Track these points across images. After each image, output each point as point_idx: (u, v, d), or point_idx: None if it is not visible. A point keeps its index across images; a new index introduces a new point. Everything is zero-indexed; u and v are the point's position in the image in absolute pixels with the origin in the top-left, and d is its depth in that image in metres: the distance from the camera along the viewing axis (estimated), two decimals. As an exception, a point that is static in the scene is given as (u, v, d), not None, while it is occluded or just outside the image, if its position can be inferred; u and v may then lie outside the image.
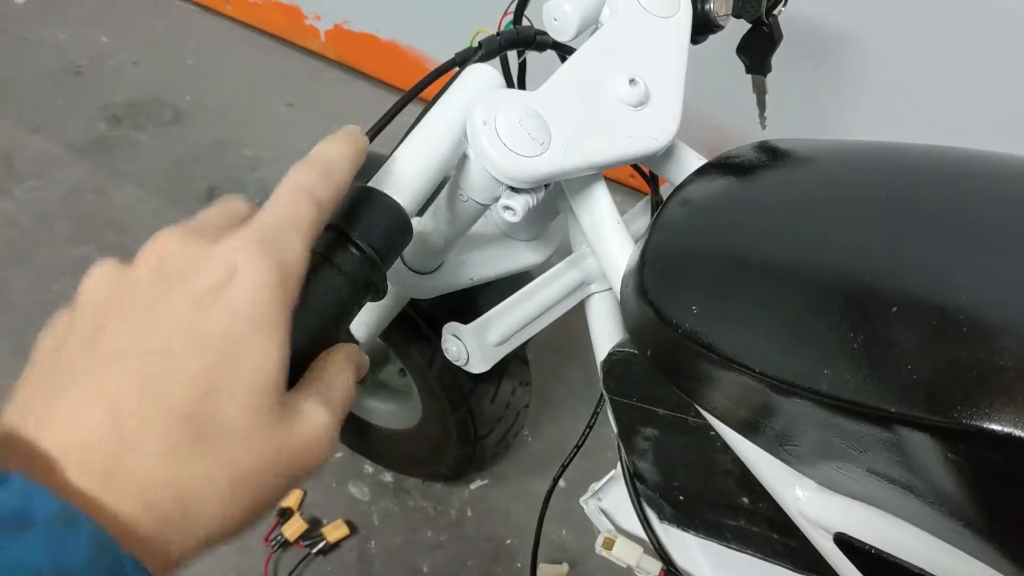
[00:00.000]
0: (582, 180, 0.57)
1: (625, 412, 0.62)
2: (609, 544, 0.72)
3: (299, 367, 0.35)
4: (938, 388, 0.36)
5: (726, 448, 0.51)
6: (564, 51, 0.64)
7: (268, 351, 0.30)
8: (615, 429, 0.65)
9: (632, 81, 0.54)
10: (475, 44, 0.59)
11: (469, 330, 0.66)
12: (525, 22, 0.64)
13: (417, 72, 1.68)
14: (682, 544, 0.69)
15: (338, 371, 0.34)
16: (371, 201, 0.40)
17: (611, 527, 0.75)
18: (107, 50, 1.92)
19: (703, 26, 0.63)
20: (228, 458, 0.28)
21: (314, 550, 1.09)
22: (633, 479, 0.67)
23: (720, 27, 0.64)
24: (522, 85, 0.69)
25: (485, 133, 0.47)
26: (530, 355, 1.03)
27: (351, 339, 0.39)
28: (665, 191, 0.61)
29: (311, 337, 0.35)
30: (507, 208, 0.50)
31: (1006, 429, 0.33)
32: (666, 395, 0.58)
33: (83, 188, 1.58)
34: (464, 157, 0.50)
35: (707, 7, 0.62)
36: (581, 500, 0.76)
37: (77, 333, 0.30)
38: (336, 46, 1.86)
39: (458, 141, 0.49)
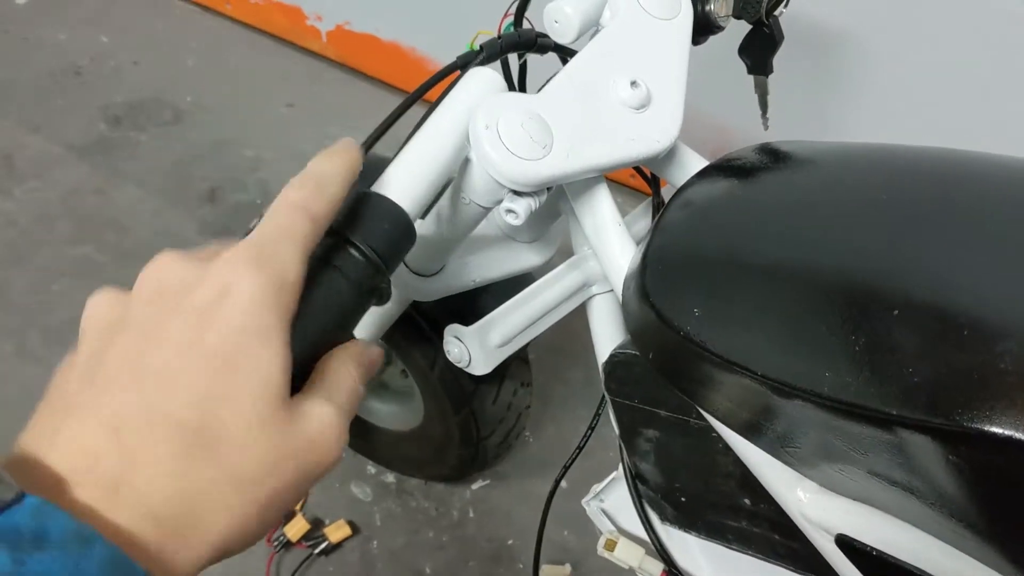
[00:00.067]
0: (583, 182, 0.57)
1: (627, 414, 0.62)
2: (611, 545, 0.72)
3: (305, 372, 0.35)
4: (939, 391, 0.36)
5: (728, 450, 0.51)
6: (565, 53, 0.64)
7: (266, 359, 0.30)
8: (617, 431, 0.66)
9: (633, 83, 0.54)
10: (475, 47, 0.59)
11: (471, 332, 0.66)
12: (526, 24, 0.64)
13: (419, 73, 1.69)
14: (684, 545, 0.69)
15: (341, 370, 0.35)
16: (374, 206, 0.40)
17: (613, 528, 0.75)
18: (107, 50, 1.92)
19: (704, 27, 0.63)
20: (233, 466, 0.29)
21: (316, 550, 1.09)
22: (635, 480, 0.67)
23: (721, 28, 0.64)
24: (523, 87, 0.69)
25: (487, 137, 0.47)
26: (531, 356, 1.03)
27: None
28: (667, 192, 0.61)
29: (316, 342, 0.35)
30: (509, 211, 0.50)
31: (1007, 432, 0.33)
32: (668, 397, 0.58)
33: (83, 188, 1.58)
34: (466, 161, 0.50)
35: (708, 8, 0.62)
36: (583, 501, 0.76)
37: (82, 360, 0.31)
38: (338, 47, 1.86)
39: (460, 145, 0.49)
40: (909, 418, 0.36)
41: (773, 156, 0.56)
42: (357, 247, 0.38)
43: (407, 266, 0.67)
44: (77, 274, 1.39)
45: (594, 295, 0.71)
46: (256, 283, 0.31)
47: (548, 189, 0.51)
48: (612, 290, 0.65)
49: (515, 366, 0.98)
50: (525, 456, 1.23)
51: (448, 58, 0.58)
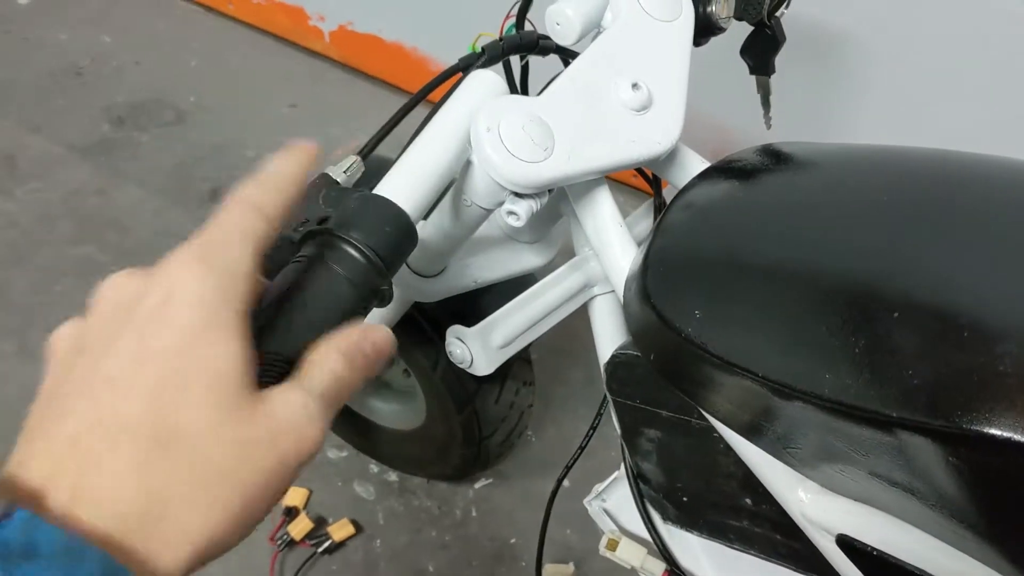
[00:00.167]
0: (585, 184, 0.57)
1: (628, 414, 0.63)
2: (613, 545, 0.73)
3: None
4: (939, 393, 0.36)
5: (729, 450, 0.51)
6: (567, 55, 0.64)
7: (218, 353, 0.30)
8: (618, 431, 0.66)
9: (635, 85, 0.54)
10: (477, 49, 0.59)
11: (473, 333, 0.66)
12: (528, 26, 0.64)
13: (421, 73, 1.69)
14: (686, 545, 0.69)
15: (321, 357, 0.34)
16: (376, 208, 0.41)
17: (615, 528, 0.75)
18: (109, 50, 1.92)
19: (705, 29, 0.63)
20: (197, 462, 0.29)
21: (320, 549, 1.09)
22: (637, 480, 0.68)
23: (722, 29, 0.64)
24: (525, 88, 0.69)
25: (489, 140, 0.47)
26: (533, 356, 1.03)
27: None
28: (668, 193, 0.61)
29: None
30: (511, 213, 0.51)
31: (1006, 434, 0.33)
32: (669, 397, 0.58)
33: (85, 189, 1.58)
34: (468, 163, 0.50)
35: (709, 10, 0.62)
36: (585, 501, 0.77)
37: (48, 387, 0.32)
38: (340, 47, 1.86)
39: (462, 148, 0.49)
40: (909, 420, 0.36)
41: (774, 158, 0.56)
42: (359, 249, 0.38)
43: (409, 267, 0.67)
44: (78, 274, 1.39)
45: (595, 296, 0.71)
46: (200, 279, 0.31)
47: (549, 191, 0.51)
48: (613, 291, 0.65)
49: (517, 366, 0.98)
50: (527, 455, 1.23)
51: (451, 59, 0.58)
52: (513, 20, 0.64)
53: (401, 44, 1.74)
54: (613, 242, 0.57)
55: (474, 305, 0.76)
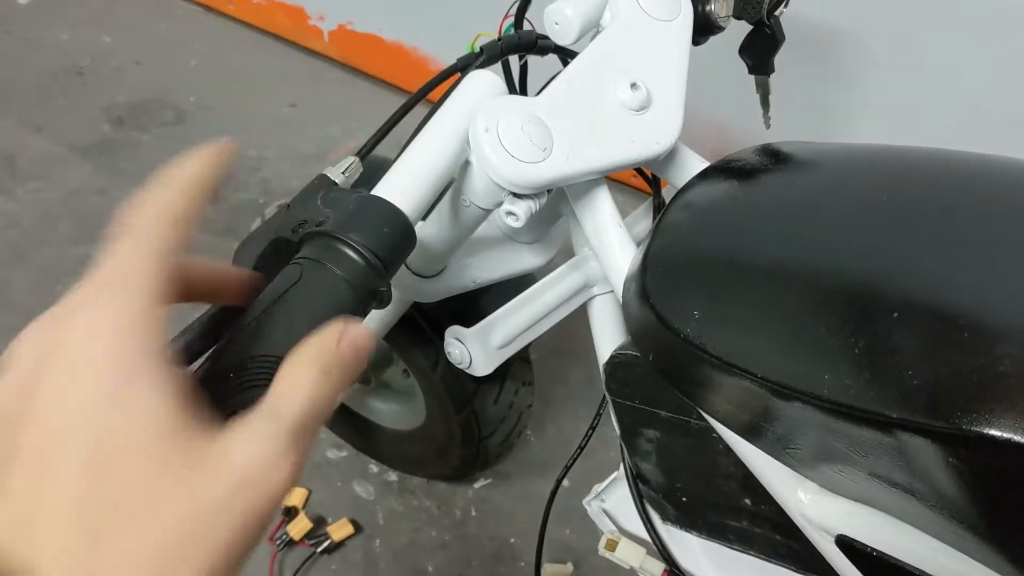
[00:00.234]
0: (584, 184, 0.57)
1: (628, 414, 0.62)
2: (612, 546, 0.73)
3: None
4: (939, 394, 0.36)
5: (728, 450, 0.51)
6: (566, 55, 0.64)
7: (140, 400, 0.27)
8: (618, 431, 0.66)
9: (634, 85, 0.54)
10: (476, 48, 0.59)
11: (472, 333, 0.66)
12: (526, 25, 0.64)
13: (421, 72, 1.69)
14: (685, 545, 0.69)
15: (292, 374, 0.31)
16: (375, 209, 0.41)
17: (614, 528, 0.75)
18: (109, 50, 1.92)
19: (704, 28, 0.63)
20: (144, 525, 0.26)
21: (319, 549, 1.09)
22: (636, 480, 0.68)
23: (721, 28, 0.64)
24: (523, 88, 0.69)
25: (487, 140, 0.47)
26: (532, 356, 1.03)
27: None
28: (667, 193, 0.61)
29: None
30: (510, 213, 0.51)
31: (1006, 435, 0.33)
32: (668, 398, 0.58)
33: (85, 189, 1.58)
34: (467, 163, 0.50)
35: (708, 9, 0.62)
36: (584, 501, 0.77)
37: None
38: (340, 47, 1.86)
39: (461, 148, 0.49)
40: (909, 421, 0.36)
41: (773, 157, 0.56)
42: (357, 250, 0.38)
43: (408, 267, 0.67)
44: (79, 274, 1.37)
45: (595, 296, 0.71)
46: (100, 331, 0.27)
47: (548, 191, 0.51)
48: (613, 291, 0.65)
49: (517, 366, 0.98)
50: (527, 456, 1.23)
51: (450, 58, 0.58)
52: (512, 20, 0.63)
53: (401, 44, 1.74)
54: (612, 242, 0.57)
55: (473, 305, 0.76)
